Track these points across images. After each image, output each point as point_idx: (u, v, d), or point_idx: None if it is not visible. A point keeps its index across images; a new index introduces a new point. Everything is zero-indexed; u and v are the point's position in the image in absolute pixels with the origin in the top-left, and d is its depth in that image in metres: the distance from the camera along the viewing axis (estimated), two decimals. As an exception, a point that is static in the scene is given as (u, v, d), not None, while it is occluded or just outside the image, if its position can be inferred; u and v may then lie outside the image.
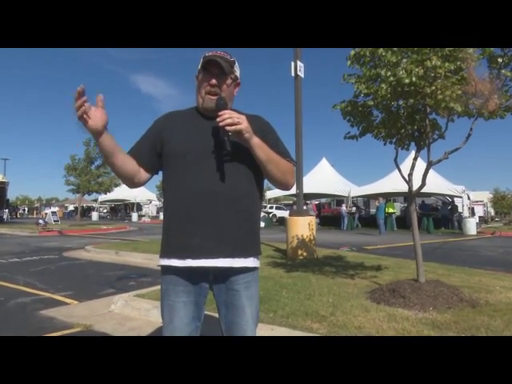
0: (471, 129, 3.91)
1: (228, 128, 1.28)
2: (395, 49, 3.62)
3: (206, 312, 1.50)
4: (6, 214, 24.33)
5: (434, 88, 3.58)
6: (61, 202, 56.52)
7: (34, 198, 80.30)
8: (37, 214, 41.12)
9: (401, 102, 4.05)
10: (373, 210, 22.17)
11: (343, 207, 20.28)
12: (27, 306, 4.27)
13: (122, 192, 29.66)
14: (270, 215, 25.52)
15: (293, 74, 8.03)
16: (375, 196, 18.19)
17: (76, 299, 4.53)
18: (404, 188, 4.75)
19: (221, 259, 1.33)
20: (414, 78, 3.56)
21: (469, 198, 19.32)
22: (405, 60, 3.67)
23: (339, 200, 26.85)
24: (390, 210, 18.04)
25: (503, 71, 3.66)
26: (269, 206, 27.86)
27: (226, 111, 1.30)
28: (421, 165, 5.06)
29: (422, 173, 4.18)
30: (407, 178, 4.31)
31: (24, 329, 3.43)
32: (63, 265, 7.40)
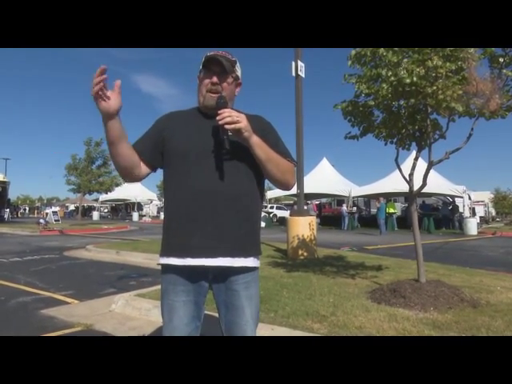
0: (472, 129, 3.91)
1: (227, 126, 1.28)
2: (396, 49, 3.61)
3: (206, 312, 1.50)
4: (7, 213, 24.36)
5: (435, 88, 3.58)
6: (62, 202, 56.59)
7: (35, 197, 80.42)
8: (38, 213, 41.17)
9: (402, 102, 4.05)
10: (373, 210, 22.15)
11: (344, 207, 20.27)
12: (28, 305, 4.27)
13: (122, 192, 29.72)
14: (271, 215, 25.51)
15: (293, 74, 8.03)
16: (376, 196, 18.17)
17: (77, 298, 4.54)
18: (405, 188, 4.74)
19: (220, 258, 1.33)
20: (415, 78, 3.55)
21: (470, 198, 19.30)
22: (406, 60, 3.66)
23: (340, 200, 26.85)
24: (391, 210, 18.03)
25: (504, 71, 3.65)
26: (269, 205, 27.85)
27: (226, 110, 1.30)
28: (422, 165, 5.05)
29: (423, 173, 4.17)
30: (408, 178, 4.30)
31: (25, 328, 3.44)
32: (64, 264, 7.40)
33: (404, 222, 17.86)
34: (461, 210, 18.35)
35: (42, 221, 17.42)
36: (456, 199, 19.27)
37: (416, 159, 4.29)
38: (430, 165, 4.20)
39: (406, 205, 19.71)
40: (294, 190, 7.72)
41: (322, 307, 3.56)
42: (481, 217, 25.68)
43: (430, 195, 20.50)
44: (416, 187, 4.30)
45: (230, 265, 1.34)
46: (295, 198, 11.02)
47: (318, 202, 26.51)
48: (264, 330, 2.86)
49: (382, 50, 3.67)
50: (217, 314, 1.44)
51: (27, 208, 53.39)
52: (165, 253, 1.40)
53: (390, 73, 3.70)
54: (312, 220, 7.72)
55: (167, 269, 1.40)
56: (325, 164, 23.85)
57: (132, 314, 3.84)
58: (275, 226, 21.17)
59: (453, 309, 3.51)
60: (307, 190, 13.09)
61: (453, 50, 3.50)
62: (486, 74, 3.63)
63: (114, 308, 4.03)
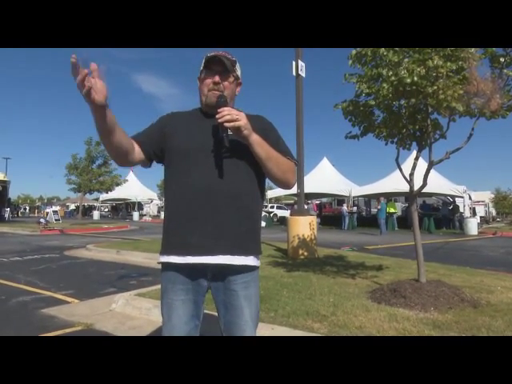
0: (473, 129, 3.91)
1: (227, 124, 1.29)
2: (397, 48, 3.61)
3: (206, 311, 1.50)
4: (7, 212, 24.38)
5: (435, 88, 3.57)
6: (62, 201, 56.66)
7: (36, 196, 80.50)
8: (38, 213, 41.22)
9: (402, 102, 4.04)
10: (374, 210, 22.15)
11: (344, 207, 20.27)
12: (28, 304, 4.28)
13: (123, 191, 29.73)
14: (271, 215, 25.52)
15: (294, 74, 8.02)
16: (376, 196, 18.16)
17: (77, 298, 4.54)
18: (405, 188, 4.74)
19: (220, 256, 1.33)
20: (415, 78, 3.55)
21: (470, 198, 19.29)
22: (406, 60, 3.66)
23: (340, 200, 26.85)
24: (391, 210, 18.02)
25: (505, 71, 3.65)
26: (270, 205, 27.85)
27: (226, 108, 1.31)
28: (422, 165, 5.04)
29: (424, 173, 4.17)
30: (408, 178, 4.30)
31: (25, 327, 3.44)
32: (64, 264, 7.41)
33: (404, 222, 17.85)
34: (461, 209, 18.33)
35: (42, 220, 17.43)
36: (456, 199, 19.25)
37: (416, 159, 4.29)
38: (431, 165, 4.20)
39: (407, 205, 19.71)
40: (294, 190, 7.74)
41: (323, 307, 3.56)
42: (481, 217, 25.68)
43: (430, 195, 20.49)
44: (416, 187, 4.30)
45: (230, 263, 1.34)
46: (296, 198, 11.02)
47: (318, 202, 26.51)
48: (264, 330, 2.86)
49: (382, 49, 3.67)
50: (216, 314, 1.44)
51: (28, 207, 53.43)
52: (165, 251, 1.40)
53: (390, 72, 3.70)
54: (312, 220, 7.72)
55: (167, 267, 1.40)
56: (325, 164, 23.86)
57: (132, 314, 3.84)
58: (275, 226, 21.17)
59: (453, 309, 3.51)
60: (308, 189, 13.10)
61: (453, 50, 3.49)
62: (486, 74, 3.63)
63: (114, 307, 4.03)
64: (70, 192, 21.21)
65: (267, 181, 1.53)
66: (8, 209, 25.06)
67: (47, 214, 23.76)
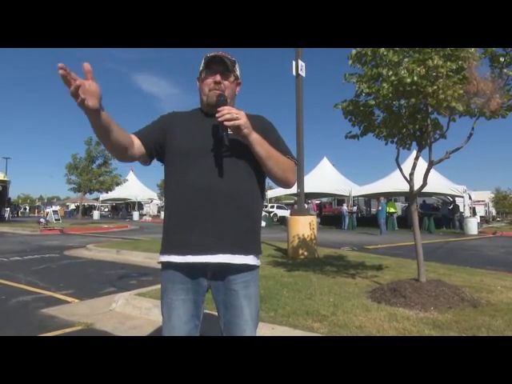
0: (473, 128, 3.91)
1: (227, 123, 1.29)
2: (397, 48, 3.61)
3: (206, 311, 1.50)
4: (7, 212, 24.40)
5: (435, 87, 3.57)
6: (62, 201, 56.68)
7: (36, 196, 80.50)
8: (38, 212, 41.23)
9: (402, 102, 4.04)
10: (374, 210, 22.16)
11: (344, 207, 20.27)
12: (28, 304, 4.28)
13: (123, 191, 29.72)
14: (271, 214, 25.53)
15: (294, 73, 8.02)
16: (376, 195, 18.17)
17: (77, 298, 4.55)
18: (405, 188, 4.74)
19: (220, 255, 1.33)
20: (415, 78, 3.55)
21: (470, 198, 19.27)
22: (406, 59, 3.66)
23: (340, 199, 26.85)
24: (391, 210, 18.02)
25: (505, 70, 3.65)
26: (270, 205, 27.85)
27: (226, 107, 1.32)
28: (422, 164, 5.05)
29: (424, 172, 4.17)
30: (408, 178, 4.30)
31: (25, 327, 3.44)
32: (64, 263, 7.41)
33: (404, 222, 17.85)
34: (461, 209, 18.34)
35: (42, 220, 17.44)
36: (456, 199, 19.25)
37: (416, 159, 4.29)
38: (431, 164, 4.20)
39: (407, 204, 19.71)
40: (294, 190, 7.74)
41: (323, 306, 3.56)
42: (481, 216, 25.67)
43: (430, 195, 20.48)
44: (416, 187, 4.30)
45: (230, 261, 1.34)
46: (296, 198, 11.01)
47: (318, 202, 26.52)
48: (264, 330, 2.86)
49: (382, 49, 3.67)
50: (216, 313, 1.45)
51: (28, 207, 53.45)
52: (165, 251, 1.40)
53: (390, 72, 3.70)
54: (312, 219, 7.72)
55: (167, 267, 1.40)
56: (325, 163, 23.86)
57: (132, 313, 3.84)
58: (276, 226, 21.17)
59: (453, 308, 3.51)
60: (308, 189, 13.10)
61: (453, 50, 3.49)
62: (486, 74, 3.63)
63: (114, 307, 4.03)
64: (70, 192, 21.23)
65: (267, 180, 1.54)
66: (8, 209, 25.08)
67: (47, 213, 23.76)
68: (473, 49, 3.48)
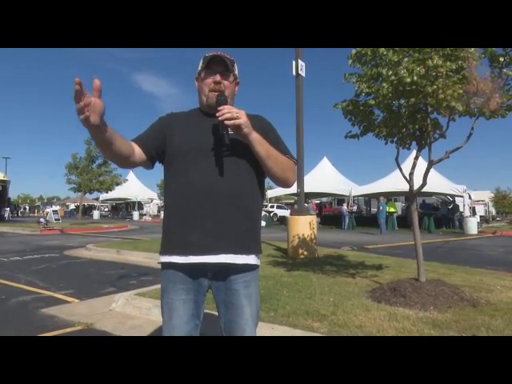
0: (472, 128, 3.91)
1: (227, 122, 1.29)
2: (397, 48, 3.61)
3: (206, 310, 1.50)
4: (7, 212, 24.39)
5: (435, 87, 3.57)
6: (62, 201, 56.67)
7: (36, 196, 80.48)
8: (38, 212, 41.22)
9: (402, 101, 4.04)
10: (374, 210, 22.16)
11: (344, 206, 20.27)
12: (28, 304, 4.28)
13: (123, 191, 29.71)
14: (271, 214, 25.53)
15: (294, 73, 8.02)
16: (376, 195, 18.17)
17: (77, 298, 4.55)
18: (405, 187, 4.74)
19: (222, 255, 1.33)
20: (415, 77, 3.55)
21: (470, 198, 19.28)
22: (406, 59, 3.66)
23: (340, 199, 26.85)
24: (391, 210, 18.02)
25: (505, 70, 3.65)
26: (270, 205, 27.85)
27: (226, 106, 1.32)
28: (422, 164, 5.05)
29: (423, 172, 4.18)
30: (408, 178, 4.30)
31: (25, 327, 3.44)
32: (64, 263, 7.41)
33: (404, 222, 17.85)
34: (461, 209, 18.35)
35: (42, 220, 17.44)
36: (456, 198, 19.26)
37: (416, 158, 4.29)
38: (430, 164, 4.20)
39: (407, 204, 19.70)
40: (294, 189, 7.73)
41: (323, 306, 3.57)
42: (481, 216, 25.67)
43: (430, 194, 20.49)
44: (416, 186, 4.30)
45: (232, 261, 1.35)
46: (296, 198, 11.01)
47: (318, 202, 26.52)
48: (264, 329, 2.87)
49: (382, 49, 3.67)
50: (216, 313, 1.45)
51: (27, 207, 53.44)
52: (166, 251, 1.40)
53: (390, 72, 3.70)
54: (312, 219, 7.72)
55: (168, 267, 1.40)
56: (325, 163, 23.86)
57: (132, 313, 3.84)
58: (276, 225, 21.18)
59: (453, 308, 3.52)
60: (308, 189, 13.09)
61: (453, 50, 3.49)
62: (486, 74, 3.63)
63: (114, 307, 4.03)
64: (70, 192, 21.21)
65: (267, 180, 1.54)
66: (8, 208, 25.07)
67: (47, 213, 23.75)
68: (472, 49, 3.48)
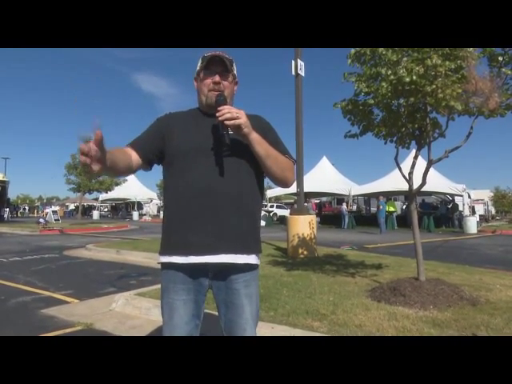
0: (471, 127, 3.91)
1: (227, 122, 1.30)
2: (396, 47, 3.61)
3: (207, 310, 1.50)
4: (6, 213, 24.36)
5: (434, 87, 3.58)
6: (61, 201, 56.64)
7: (35, 196, 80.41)
8: (37, 213, 41.19)
9: (401, 101, 4.05)
10: (373, 209, 22.18)
11: (344, 206, 20.28)
12: (28, 304, 4.28)
13: (122, 191, 29.71)
14: (271, 214, 25.53)
15: (293, 73, 8.02)
16: (376, 195, 18.18)
17: (77, 298, 4.54)
18: (404, 187, 4.75)
19: (223, 255, 1.34)
20: (414, 77, 3.56)
21: (469, 197, 19.31)
22: (405, 59, 3.66)
23: (340, 199, 26.86)
24: (391, 209, 18.04)
25: (504, 69, 3.66)
26: (269, 204, 27.85)
27: (226, 106, 1.32)
28: (421, 163, 5.06)
29: (423, 171, 4.18)
30: (408, 177, 4.31)
31: (25, 327, 3.44)
32: (64, 263, 7.41)
33: (404, 221, 17.87)
34: (461, 208, 18.37)
35: (41, 220, 17.42)
36: (456, 198, 19.28)
37: (415, 158, 4.30)
38: (430, 163, 4.20)
39: (406, 203, 19.71)
40: (293, 189, 7.73)
41: (322, 306, 3.57)
42: (480, 215, 25.67)
43: (429, 194, 20.51)
44: (416, 186, 4.30)
45: (233, 261, 1.35)
46: (295, 197, 11.02)
47: (317, 201, 26.53)
48: (264, 329, 2.87)
49: (381, 48, 3.67)
50: (216, 313, 1.45)
51: (27, 207, 53.39)
52: (166, 251, 1.40)
53: (389, 71, 3.70)
54: (312, 219, 7.72)
55: (168, 267, 1.40)
56: (325, 163, 23.87)
57: (132, 313, 3.85)
58: (275, 225, 21.18)
59: (452, 307, 3.52)
60: (307, 188, 13.10)
61: (452, 49, 3.50)
62: (485, 73, 3.63)
63: (114, 307, 4.03)
64: (70, 192, 21.23)
65: (267, 180, 1.54)
66: (7, 209, 25.04)
67: (46, 214, 23.73)
68: (471, 48, 3.48)
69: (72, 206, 45.01)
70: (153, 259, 6.84)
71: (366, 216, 22.70)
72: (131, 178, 33.85)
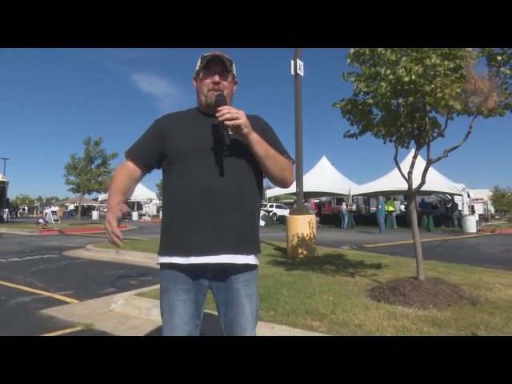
0: (471, 127, 3.92)
1: (227, 123, 1.30)
2: (395, 47, 3.61)
3: (206, 310, 1.50)
4: (6, 213, 24.34)
5: (433, 86, 3.58)
6: (61, 202, 56.57)
7: (34, 197, 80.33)
8: (37, 213, 41.14)
9: (400, 100, 4.05)
10: (373, 209, 22.20)
11: (343, 206, 20.28)
12: (28, 305, 4.28)
13: (122, 191, 29.58)
14: (271, 214, 25.52)
15: (293, 73, 8.02)
16: (375, 194, 18.19)
17: (76, 298, 4.54)
18: (404, 186, 4.75)
19: (223, 255, 1.34)
20: (413, 77, 3.56)
21: (469, 196, 19.32)
22: (404, 58, 3.67)
23: (339, 198, 26.87)
24: (390, 209, 18.05)
25: (502, 69, 3.66)
26: (269, 204, 27.84)
27: (225, 106, 1.32)
28: (420, 163, 5.06)
29: (422, 171, 4.18)
30: (407, 176, 4.31)
31: (25, 328, 3.44)
32: (63, 264, 7.40)
33: (403, 220, 17.88)
34: (460, 207, 18.38)
35: (41, 221, 17.41)
36: (455, 197, 19.30)
37: (415, 157, 4.30)
38: (429, 163, 4.21)
39: (406, 203, 19.72)
40: (293, 189, 7.74)
41: (322, 305, 3.57)
42: (480, 214, 25.67)
43: (429, 193, 20.53)
44: (415, 185, 4.31)
45: (233, 261, 1.35)
46: (295, 197, 11.02)
47: (317, 201, 26.52)
48: (264, 329, 2.87)
49: (380, 48, 3.68)
50: (216, 313, 1.45)
51: (26, 208, 53.32)
52: (166, 252, 1.40)
53: (388, 71, 3.71)
54: (312, 218, 7.72)
55: (168, 267, 1.40)
56: (324, 162, 23.87)
57: (132, 314, 3.84)
58: (275, 225, 21.18)
59: (452, 306, 3.53)
60: (307, 188, 13.10)
61: (451, 49, 3.50)
62: (484, 72, 3.64)
63: (113, 307, 4.03)
64: (69, 192, 21.21)
65: (266, 180, 1.54)
66: (6, 209, 25.02)
67: (46, 214, 23.71)
68: (470, 47, 3.49)
69: (71, 207, 44.95)
70: (152, 259, 6.83)
71: (365, 216, 22.71)
72: (131, 178, 33.69)
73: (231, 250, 1.35)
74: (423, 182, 4.16)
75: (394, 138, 4.43)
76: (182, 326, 1.37)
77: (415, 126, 4.22)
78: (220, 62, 1.40)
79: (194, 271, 1.37)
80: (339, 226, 19.17)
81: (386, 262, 6.43)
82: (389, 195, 21.28)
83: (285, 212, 23.08)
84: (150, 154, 1.46)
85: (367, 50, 3.83)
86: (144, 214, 33.68)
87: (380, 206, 15.95)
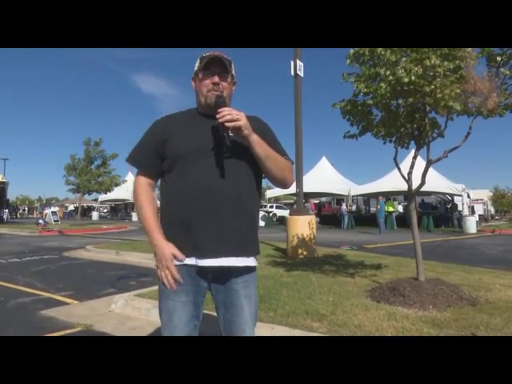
0: (470, 127, 3.92)
1: (227, 124, 1.29)
2: (394, 48, 3.62)
3: (206, 311, 1.50)
4: (5, 213, 24.35)
5: (433, 87, 3.58)
6: (61, 202, 56.57)
7: (34, 197, 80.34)
8: (37, 214, 41.12)
9: (400, 101, 4.05)
10: (373, 209, 22.20)
11: (343, 206, 20.28)
12: (27, 305, 4.27)
13: (122, 192, 29.65)
14: (270, 214, 25.52)
15: (292, 74, 8.03)
16: (375, 195, 18.20)
17: (76, 299, 4.54)
18: (404, 187, 4.75)
19: (224, 258, 1.34)
20: (413, 77, 3.56)
21: (469, 197, 19.33)
22: (404, 59, 3.67)
23: (339, 199, 26.87)
24: (390, 209, 18.05)
25: (502, 69, 3.66)
26: (269, 205, 27.84)
27: (226, 108, 1.32)
28: (420, 163, 5.06)
29: (422, 171, 4.19)
30: (407, 177, 4.31)
31: (25, 329, 3.44)
32: (63, 264, 7.40)
33: (403, 221, 17.88)
34: (460, 208, 18.38)
35: (41, 221, 17.40)
36: (455, 197, 19.30)
37: (415, 158, 4.30)
38: (429, 163, 4.21)
39: (405, 203, 19.73)
40: (293, 189, 7.74)
41: (322, 306, 3.57)
42: (480, 215, 25.69)
43: (429, 194, 20.52)
44: (415, 186, 4.31)
45: (234, 264, 1.35)
46: (295, 197, 11.02)
47: (316, 202, 26.54)
48: (264, 329, 2.87)
49: (380, 49, 3.68)
50: (215, 313, 1.45)
51: (26, 208, 53.31)
52: None
53: (388, 72, 3.71)
54: (311, 219, 7.72)
55: None
56: (324, 163, 23.88)
57: (132, 314, 3.84)
58: (275, 225, 21.18)
59: (452, 307, 3.52)
60: (307, 189, 13.09)
61: (451, 49, 3.50)
62: (483, 73, 3.64)
63: (113, 308, 4.03)
64: (69, 193, 21.29)
65: (266, 180, 1.54)
66: (6, 210, 25.03)
67: (46, 214, 23.71)
68: (470, 48, 3.49)
69: (71, 207, 44.96)
70: (152, 260, 6.79)
71: (365, 216, 22.71)
72: (130, 178, 33.80)
73: (232, 253, 1.35)
74: (423, 182, 4.16)
75: (393, 139, 4.43)
76: (182, 327, 1.37)
77: (415, 126, 4.22)
78: (219, 62, 1.40)
79: (193, 273, 1.36)
80: (339, 226, 19.17)
81: (386, 262, 6.43)
82: (389, 196, 21.28)
83: (285, 212, 23.07)
84: (159, 164, 1.44)
85: (367, 51, 3.84)
86: (144, 215, 33.54)
87: (380, 207, 15.95)
